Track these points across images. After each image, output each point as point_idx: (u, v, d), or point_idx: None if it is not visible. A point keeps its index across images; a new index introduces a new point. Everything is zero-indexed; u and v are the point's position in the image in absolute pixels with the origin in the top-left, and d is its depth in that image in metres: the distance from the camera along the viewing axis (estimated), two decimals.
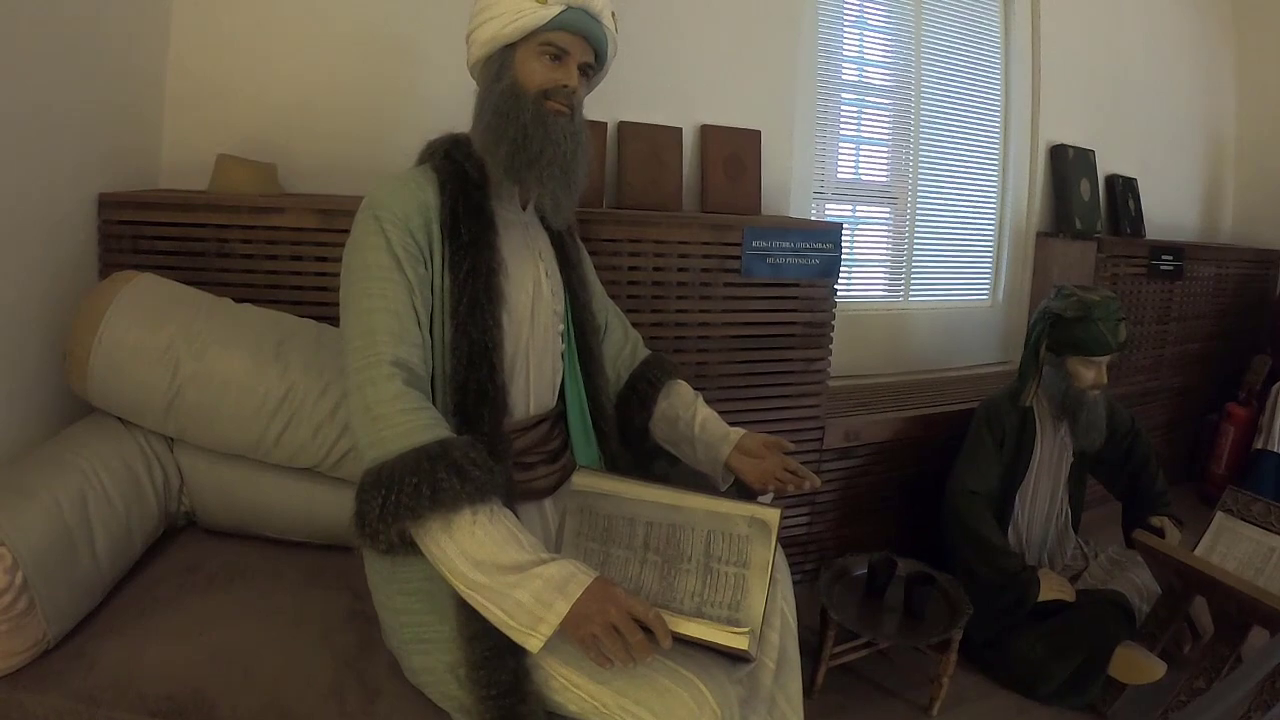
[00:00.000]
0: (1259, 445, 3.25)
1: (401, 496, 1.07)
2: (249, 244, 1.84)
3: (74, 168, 1.72)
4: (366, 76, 2.19)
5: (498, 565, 1.06)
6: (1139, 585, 2.22)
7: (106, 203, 1.79)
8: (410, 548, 1.12)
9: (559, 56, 1.32)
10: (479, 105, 1.36)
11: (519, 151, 1.29)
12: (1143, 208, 3.68)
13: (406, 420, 1.13)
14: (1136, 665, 1.97)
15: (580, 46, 1.34)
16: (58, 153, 1.66)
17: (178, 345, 1.53)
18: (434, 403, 1.22)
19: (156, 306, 1.58)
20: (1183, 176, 4.11)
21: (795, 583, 2.45)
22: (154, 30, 2.00)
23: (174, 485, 1.61)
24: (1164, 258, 3.36)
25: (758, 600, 1.19)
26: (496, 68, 1.33)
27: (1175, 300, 3.48)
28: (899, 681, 2.14)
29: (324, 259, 1.83)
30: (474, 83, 1.39)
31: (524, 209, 1.43)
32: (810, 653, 2.00)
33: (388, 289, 1.21)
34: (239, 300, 1.72)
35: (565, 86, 1.32)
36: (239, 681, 1.23)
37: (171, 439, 1.62)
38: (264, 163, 2.02)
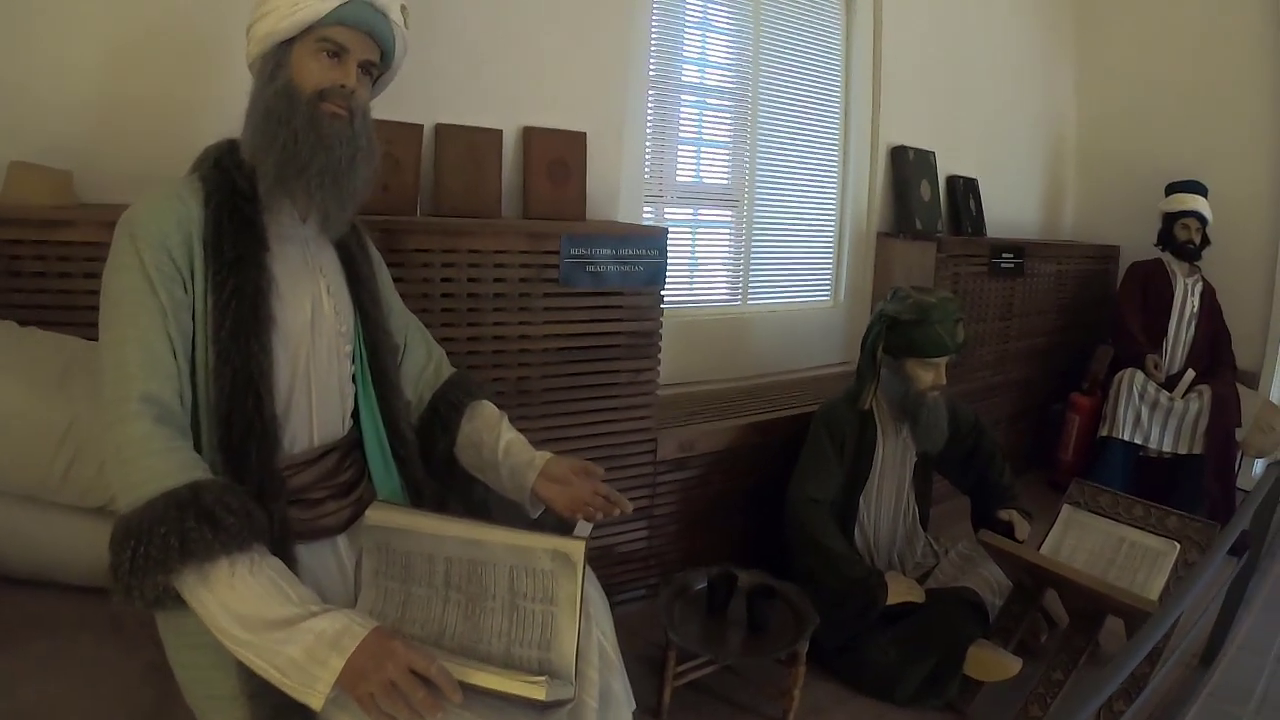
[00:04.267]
0: (1105, 432, 3.38)
1: (150, 548, 0.98)
2: (40, 260, 1.69)
3: None
4: (172, 77, 2.00)
5: (263, 620, 0.98)
6: (990, 580, 2.24)
7: None
8: (179, 601, 1.00)
9: (337, 54, 1.24)
10: (251, 106, 1.26)
11: (289, 160, 1.19)
12: (984, 207, 3.77)
13: (155, 463, 1.03)
14: (991, 663, 1.98)
15: (362, 43, 1.25)
16: None
17: None
18: (197, 438, 1.14)
19: None
20: (1024, 176, 4.26)
21: (638, 598, 2.43)
22: None
23: None
24: (1005, 256, 3.45)
25: (569, 638, 1.13)
26: (272, 66, 1.24)
27: (1017, 297, 3.58)
28: (751, 696, 2.10)
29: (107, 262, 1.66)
30: None
31: (304, 222, 1.30)
32: (658, 671, 1.97)
33: (140, 316, 1.10)
34: (29, 323, 1.60)
35: (342, 86, 1.23)
36: None
37: None
38: (59, 170, 1.84)
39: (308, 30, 1.21)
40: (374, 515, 1.25)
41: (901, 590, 2.11)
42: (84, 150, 1.92)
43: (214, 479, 1.05)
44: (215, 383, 1.14)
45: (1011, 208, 4.10)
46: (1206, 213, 3.55)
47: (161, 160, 1.90)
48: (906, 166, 3.38)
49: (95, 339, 1.51)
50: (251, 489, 1.10)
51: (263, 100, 1.22)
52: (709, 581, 2.09)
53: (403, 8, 1.32)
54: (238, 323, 1.15)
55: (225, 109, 1.92)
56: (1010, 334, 3.58)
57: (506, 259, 2.07)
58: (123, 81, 1.96)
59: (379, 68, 1.32)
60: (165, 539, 0.97)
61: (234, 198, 1.21)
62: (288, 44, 1.23)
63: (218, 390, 1.14)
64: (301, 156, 1.20)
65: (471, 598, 1.17)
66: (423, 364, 1.55)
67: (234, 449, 1.13)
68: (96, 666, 1.30)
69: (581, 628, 1.14)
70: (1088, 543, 2.18)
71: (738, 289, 3.17)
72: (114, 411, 1.05)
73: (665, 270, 2.29)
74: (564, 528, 1.36)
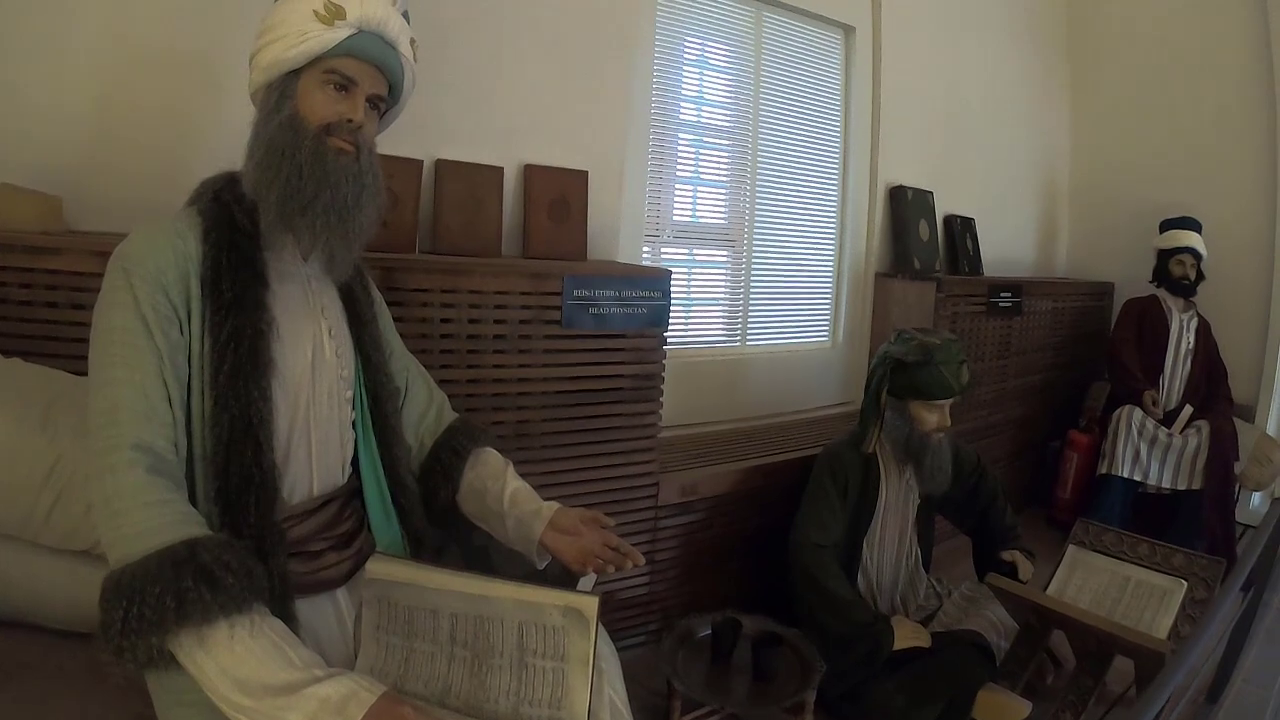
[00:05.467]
0: (1103, 470, 3.37)
1: (145, 610, 0.92)
2: (26, 289, 1.63)
3: None
4: (166, 101, 1.96)
5: (264, 685, 0.93)
6: (995, 621, 2.21)
7: None
8: (174, 662, 0.95)
9: (345, 87, 1.21)
10: (253, 138, 1.22)
11: (292, 196, 1.15)
12: (980, 246, 3.80)
13: (148, 516, 0.98)
14: (1000, 707, 1.94)
15: (371, 76, 1.23)
16: None
17: None
18: (193, 488, 1.09)
19: None
20: (1019, 215, 4.30)
21: (639, 644, 2.38)
22: None
23: None
24: (1002, 295, 3.45)
25: (581, 697, 1.09)
26: (276, 96, 1.20)
27: (1014, 335, 3.58)
28: None
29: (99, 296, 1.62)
30: None
31: (305, 260, 1.26)
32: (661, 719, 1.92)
33: (133, 358, 1.05)
34: (14, 353, 1.54)
35: (350, 121, 1.19)
36: None
37: None
38: (49, 195, 1.80)
39: (315, 61, 1.19)
40: (375, 568, 1.19)
41: (908, 635, 2.07)
42: (74, 175, 1.88)
43: (211, 535, 1.01)
44: (212, 430, 1.09)
45: (1008, 246, 4.14)
46: (1201, 248, 3.58)
47: (153, 187, 1.91)
48: (905, 206, 3.39)
49: (83, 373, 1.46)
50: (250, 544, 1.05)
51: (266, 132, 1.19)
52: (713, 629, 2.05)
53: (412, 41, 1.30)
54: (236, 367, 1.10)
55: (219, 135, 1.92)
56: (1008, 372, 3.58)
57: (508, 299, 2.03)
58: (114, 106, 1.92)
59: (386, 102, 1.29)
60: (160, 599, 0.92)
61: (234, 234, 1.17)
62: (293, 74, 1.20)
63: (215, 439, 1.09)
64: (306, 193, 1.16)
65: (478, 654, 1.13)
66: (424, 408, 1.51)
67: (232, 501, 1.08)
68: (81, 717, 1.23)
69: (594, 685, 1.10)
70: (1094, 582, 2.16)
71: (736, 329, 3.15)
72: (104, 460, 1.00)
73: (669, 312, 2.26)
74: (568, 578, 1.32)
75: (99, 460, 1.00)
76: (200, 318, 1.11)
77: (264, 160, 1.17)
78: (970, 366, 2.28)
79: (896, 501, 2.33)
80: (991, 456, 3.37)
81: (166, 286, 1.09)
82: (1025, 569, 2.27)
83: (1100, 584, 2.16)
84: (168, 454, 1.05)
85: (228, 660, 0.93)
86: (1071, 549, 2.23)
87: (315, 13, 1.16)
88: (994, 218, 3.95)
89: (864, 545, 2.29)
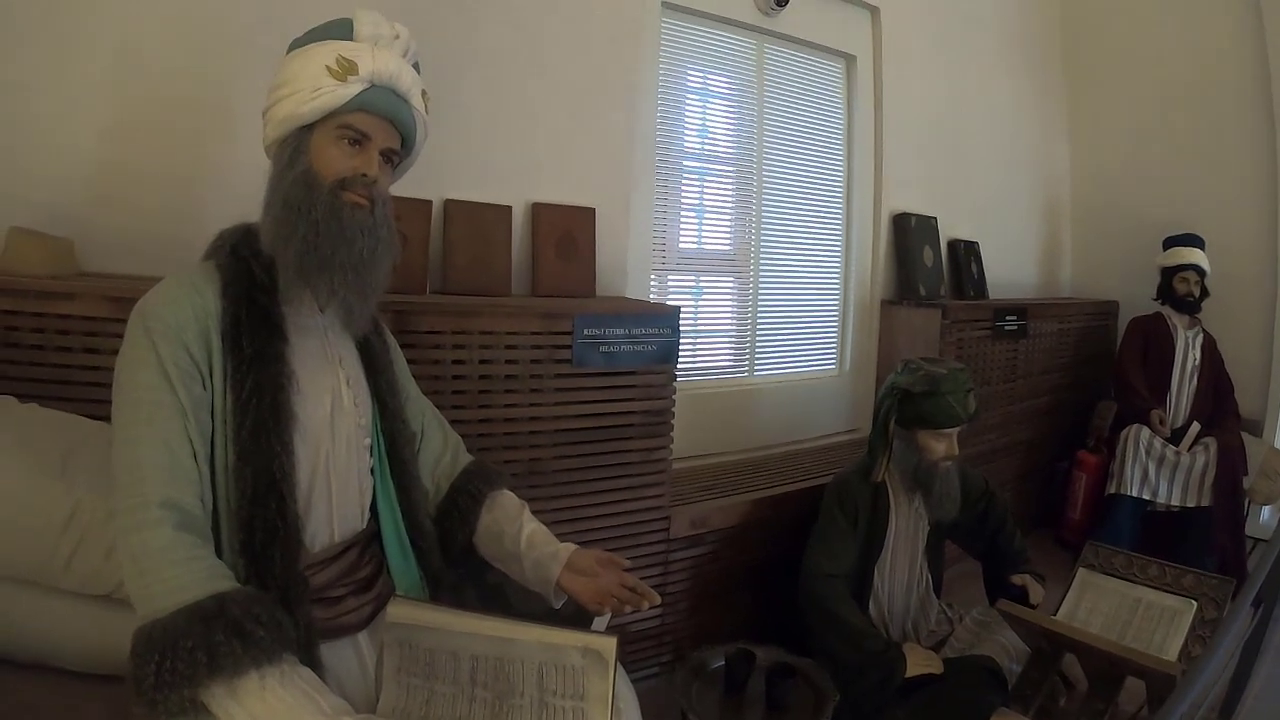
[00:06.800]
0: (1112, 490, 3.37)
1: (177, 663, 0.95)
2: (39, 333, 1.65)
3: None
4: (177, 142, 1.99)
5: None
6: (1007, 645, 2.21)
7: None
8: (205, 711, 0.97)
9: (359, 141, 1.23)
10: (269, 193, 1.23)
11: (309, 252, 1.17)
12: (985, 270, 3.82)
13: (178, 573, 1.00)
14: None
15: (384, 130, 1.25)
16: None
17: None
18: (218, 541, 1.11)
19: None
20: (1023, 237, 4.32)
21: (652, 675, 2.39)
22: None
23: None
24: (1008, 318, 3.47)
25: None
26: (290, 151, 1.22)
27: (1021, 357, 3.59)
28: None
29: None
30: None
31: (322, 311, 1.28)
32: None
33: (156, 415, 1.07)
34: (28, 397, 1.56)
35: (364, 175, 1.21)
36: None
37: None
38: (60, 238, 1.83)
39: (328, 116, 1.20)
40: (396, 611, 1.21)
41: (920, 662, 2.07)
42: (84, 216, 1.91)
43: (240, 588, 1.03)
44: (236, 484, 1.11)
45: (1012, 268, 4.15)
46: (1205, 265, 3.60)
47: (164, 225, 1.97)
48: (909, 233, 3.42)
49: (97, 417, 1.51)
50: (276, 594, 1.07)
51: (282, 188, 1.20)
52: (726, 660, 2.05)
53: (423, 92, 1.32)
54: (258, 421, 1.12)
55: (230, 175, 1.97)
56: (1015, 395, 3.59)
57: (518, 340, 2.05)
58: (124, 147, 1.95)
59: (399, 154, 1.31)
60: (192, 654, 0.95)
61: (252, 289, 1.18)
62: (307, 129, 1.21)
63: (239, 492, 1.11)
64: (323, 249, 1.17)
65: (499, 695, 1.15)
66: (439, 452, 1.53)
67: (257, 553, 1.10)
68: None
69: None
70: (1104, 605, 2.17)
71: (744, 359, 3.16)
72: (132, 518, 1.02)
73: (678, 348, 2.29)
74: (584, 617, 1.35)
75: (126, 518, 1.02)
76: (221, 372, 1.13)
77: (281, 216, 1.19)
78: (977, 394, 2.29)
79: (906, 529, 2.34)
80: (1000, 479, 3.38)
81: (188, 342, 1.11)
82: (1036, 593, 2.27)
83: (1111, 606, 2.16)
84: (194, 509, 1.07)
85: (259, 709, 0.96)
86: (1081, 572, 2.24)
87: (328, 68, 1.19)
88: (998, 241, 3.98)
89: (874, 573, 2.29)
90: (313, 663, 1.08)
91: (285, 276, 1.20)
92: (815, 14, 3.18)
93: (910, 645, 2.13)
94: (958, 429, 2.24)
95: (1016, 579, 2.30)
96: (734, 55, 3.04)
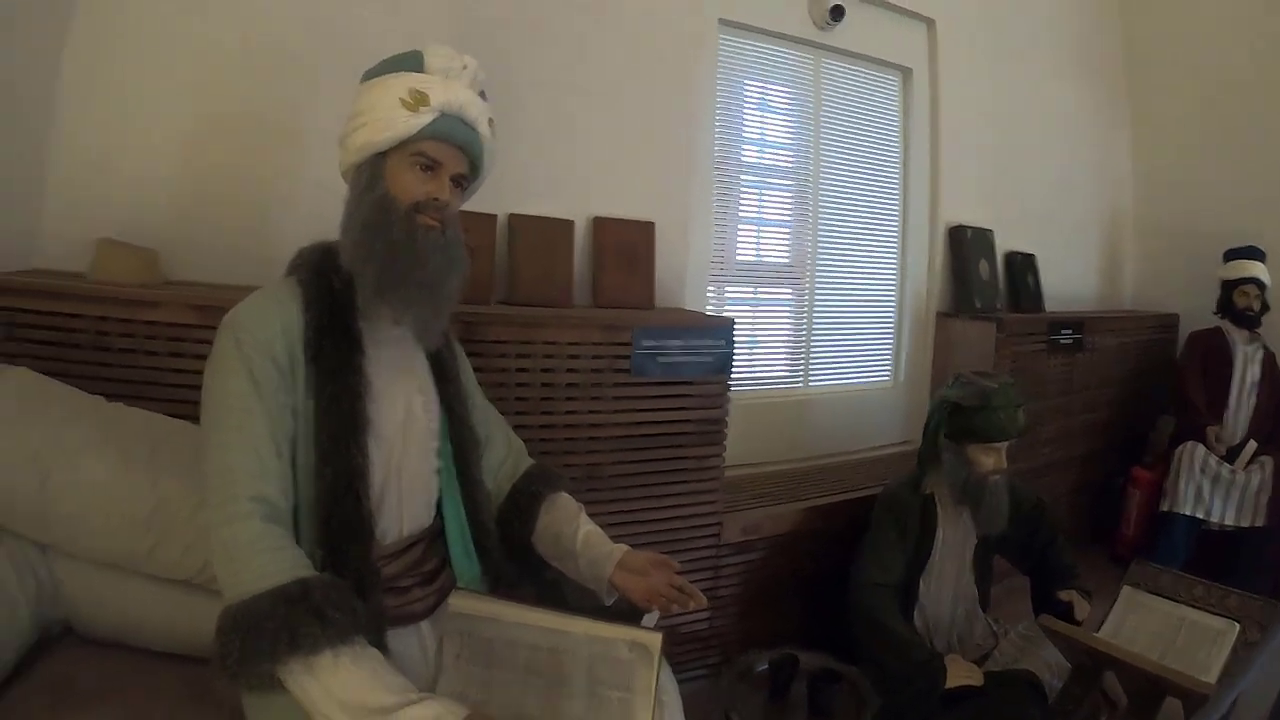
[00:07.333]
0: (1166, 507, 3.32)
1: (260, 640, 1.04)
2: (128, 337, 1.77)
3: None
4: (251, 162, 2.14)
5: (365, 707, 1.03)
6: (1050, 662, 2.19)
7: None
8: (279, 683, 1.07)
9: (431, 167, 1.31)
10: (348, 215, 1.32)
11: (386, 271, 1.26)
12: (1042, 282, 3.79)
13: (264, 561, 1.09)
14: None
15: (454, 157, 1.33)
16: None
17: (47, 451, 1.45)
18: (298, 533, 1.20)
19: (26, 407, 1.51)
20: (1082, 248, 4.26)
21: (699, 678, 2.46)
22: (38, 107, 1.95)
23: (47, 593, 1.51)
24: (1064, 332, 3.44)
25: None
26: (367, 176, 1.30)
27: (1077, 371, 3.56)
28: None
29: (203, 357, 1.71)
30: None
31: (397, 324, 1.37)
32: None
33: (245, 421, 1.17)
34: (115, 397, 1.66)
35: (436, 199, 1.30)
36: None
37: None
38: (145, 248, 1.96)
39: (402, 143, 1.28)
40: (457, 603, 1.31)
41: (961, 673, 2.08)
42: (168, 228, 2.05)
43: (320, 576, 1.12)
44: (316, 482, 1.21)
45: (1070, 280, 4.10)
46: (1265, 278, 3.53)
47: (241, 237, 2.11)
48: (965, 245, 3.42)
49: (180, 415, 1.62)
50: (351, 582, 1.16)
51: (360, 212, 1.29)
52: (770, 664, 2.09)
53: (490, 120, 1.39)
54: (337, 427, 1.22)
55: (296, 195, 2.13)
56: (1071, 409, 3.56)
57: (580, 349, 2.14)
58: (201, 167, 2.09)
59: (468, 179, 1.39)
60: (275, 633, 1.04)
61: (332, 304, 1.28)
62: (382, 155, 1.29)
63: (318, 490, 1.21)
64: (399, 269, 1.26)
65: (551, 683, 1.23)
66: (503, 456, 1.62)
67: (334, 545, 1.20)
68: None
69: (656, 715, 1.21)
70: (1148, 624, 2.15)
71: (799, 369, 3.20)
72: (223, 512, 1.12)
73: (732, 359, 2.34)
74: (634, 614, 1.41)
75: (218, 512, 1.12)
76: (305, 381, 1.23)
77: (359, 238, 1.28)
78: (1027, 409, 2.29)
79: (954, 542, 2.35)
80: (1053, 494, 3.37)
81: (274, 355, 1.21)
82: (1082, 609, 2.26)
83: (1155, 625, 2.14)
84: (280, 504, 1.17)
85: (333, 684, 1.04)
86: (1127, 589, 2.23)
87: (401, 100, 1.27)
88: (1056, 252, 3.93)
89: (921, 584, 2.31)
90: (381, 646, 1.16)
91: (363, 293, 1.29)
92: (871, 27, 3.21)
93: (952, 657, 2.14)
94: (1007, 443, 2.25)
95: (1063, 595, 2.28)
96: (791, 69, 3.08)
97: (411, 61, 1.32)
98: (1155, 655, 2.00)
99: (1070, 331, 3.48)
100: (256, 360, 1.19)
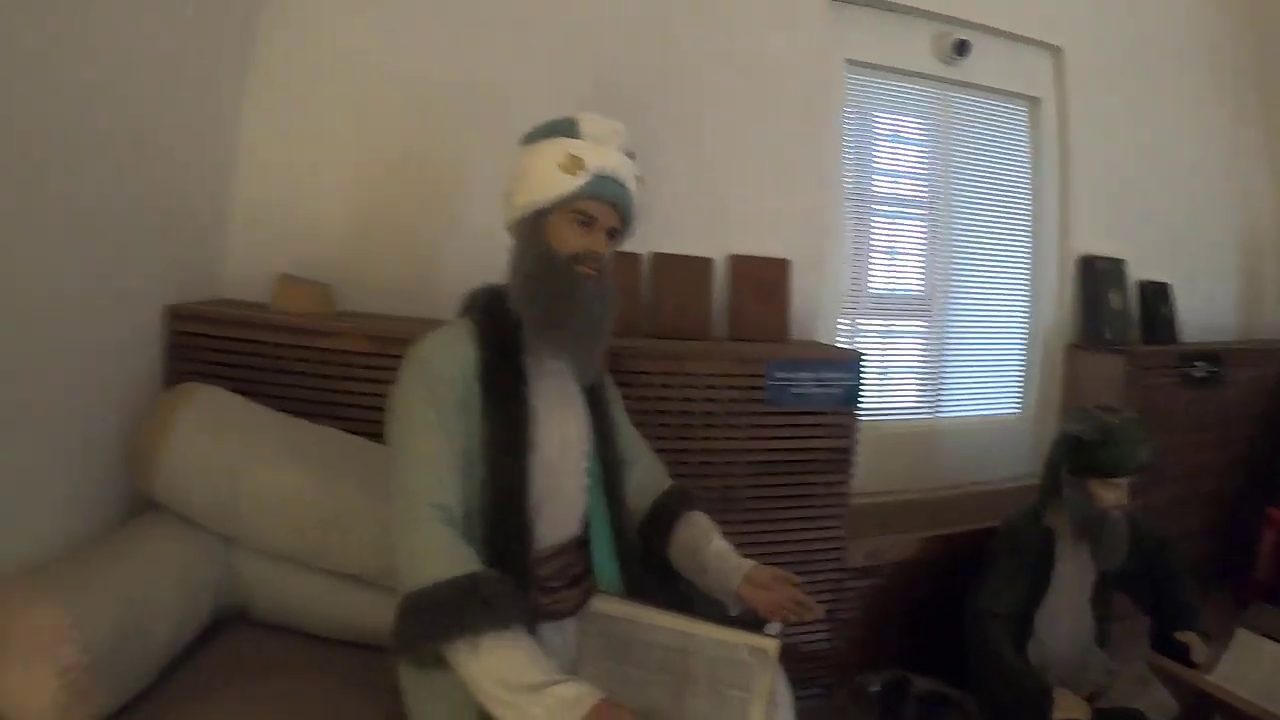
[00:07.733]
0: None
1: (435, 623, 1.22)
2: (305, 362, 2.00)
3: (143, 278, 1.88)
4: (413, 206, 2.37)
5: (520, 684, 1.19)
6: (1164, 703, 2.19)
7: (176, 315, 1.96)
8: (441, 660, 1.25)
9: (587, 223, 1.47)
10: (515, 263, 1.51)
11: (548, 315, 1.45)
12: (1176, 312, 3.65)
13: (443, 556, 1.28)
14: None
15: (607, 213, 1.49)
16: (127, 262, 1.80)
17: (238, 459, 1.68)
18: (469, 535, 1.36)
19: (222, 419, 1.74)
20: (1219, 275, 4.05)
21: (816, 695, 2.52)
22: (224, 155, 2.20)
23: (226, 580, 1.72)
24: (1196, 364, 3.35)
25: None
26: (530, 230, 1.48)
27: (1211, 406, 3.44)
28: None
29: (372, 380, 1.98)
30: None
31: (556, 359, 1.56)
32: None
33: (430, 442, 1.36)
34: (292, 415, 1.87)
35: (594, 252, 1.47)
36: None
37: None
38: (320, 283, 2.18)
39: (562, 202, 1.44)
40: (599, 604, 1.50)
41: (1069, 706, 2.03)
42: (340, 265, 2.28)
43: (488, 571, 1.28)
44: (485, 493, 1.40)
45: (1208, 309, 3.91)
46: None
47: (408, 272, 2.34)
48: (1096, 276, 3.37)
49: (348, 430, 1.87)
50: (512, 579, 1.31)
51: (526, 262, 1.47)
52: (883, 685, 2.15)
53: (638, 177, 1.55)
54: (505, 448, 1.41)
55: (458, 232, 2.36)
56: (1205, 445, 3.44)
57: (718, 380, 2.28)
58: (370, 209, 2.32)
59: (620, 230, 1.55)
60: (448, 617, 1.21)
61: (503, 342, 1.46)
62: (543, 212, 1.46)
63: (485, 499, 1.39)
64: (560, 314, 1.44)
65: (678, 680, 1.37)
66: (645, 476, 1.77)
67: (499, 547, 1.38)
68: (335, 708, 1.50)
69: (770, 715, 1.34)
70: (1262, 668, 2.10)
71: (929, 399, 3.24)
72: (409, 515, 1.30)
73: (859, 391, 2.43)
74: (758, 624, 1.49)
75: (403, 517, 1.31)
76: (479, 408, 1.42)
77: (525, 285, 1.46)
78: (1151, 444, 2.26)
79: (1073, 576, 2.33)
80: (1181, 530, 3.20)
81: (453, 384, 1.40)
82: (1200, 651, 2.18)
83: (1268, 670, 2.09)
84: (457, 510, 1.35)
85: (492, 662, 1.20)
86: (1240, 632, 2.13)
87: (559, 164, 1.44)
88: (1192, 281, 3.78)
89: (1037, 617, 2.30)
90: (533, 636, 1.30)
91: (530, 335, 1.47)
92: (997, 59, 3.22)
93: (1061, 690, 2.09)
94: (1129, 478, 2.24)
95: (1182, 636, 2.22)
96: (919, 102, 3.15)
97: (566, 128, 1.48)
98: (1265, 702, 1.97)
99: (1204, 363, 3.38)
100: (441, 389, 1.38)
